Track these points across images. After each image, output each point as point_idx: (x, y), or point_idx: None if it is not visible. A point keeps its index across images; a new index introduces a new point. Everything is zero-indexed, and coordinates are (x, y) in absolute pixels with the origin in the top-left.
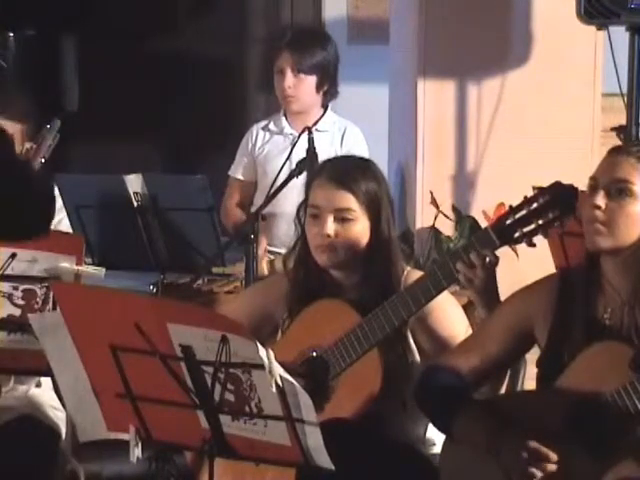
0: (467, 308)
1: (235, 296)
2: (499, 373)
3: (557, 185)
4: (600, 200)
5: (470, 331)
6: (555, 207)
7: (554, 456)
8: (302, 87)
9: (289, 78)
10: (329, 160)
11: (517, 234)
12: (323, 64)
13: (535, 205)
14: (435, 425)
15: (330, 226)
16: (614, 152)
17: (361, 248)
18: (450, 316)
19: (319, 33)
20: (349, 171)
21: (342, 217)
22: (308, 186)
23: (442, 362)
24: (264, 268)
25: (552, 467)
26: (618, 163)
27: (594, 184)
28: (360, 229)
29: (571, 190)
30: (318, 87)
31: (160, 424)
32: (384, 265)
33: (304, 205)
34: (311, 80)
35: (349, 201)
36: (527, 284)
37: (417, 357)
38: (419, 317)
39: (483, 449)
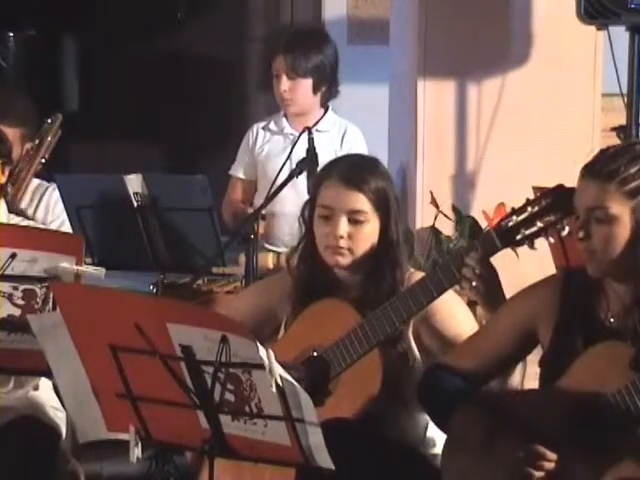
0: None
1: (236, 295)
2: (503, 373)
3: (559, 188)
4: None
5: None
6: (557, 210)
7: (552, 456)
8: (298, 90)
9: (284, 82)
10: (338, 159)
11: (519, 236)
12: (319, 66)
13: (537, 208)
14: (437, 425)
15: (344, 227)
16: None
17: (370, 248)
18: (456, 315)
19: (315, 35)
20: (360, 171)
21: (355, 219)
22: (317, 185)
23: (445, 361)
24: (268, 261)
25: (550, 466)
26: None
27: None
28: (371, 230)
29: (572, 193)
30: (315, 89)
31: (160, 424)
32: (390, 265)
33: (310, 204)
34: (307, 83)
35: (362, 202)
36: (529, 284)
37: (418, 357)
38: (425, 317)
39: (484, 448)
